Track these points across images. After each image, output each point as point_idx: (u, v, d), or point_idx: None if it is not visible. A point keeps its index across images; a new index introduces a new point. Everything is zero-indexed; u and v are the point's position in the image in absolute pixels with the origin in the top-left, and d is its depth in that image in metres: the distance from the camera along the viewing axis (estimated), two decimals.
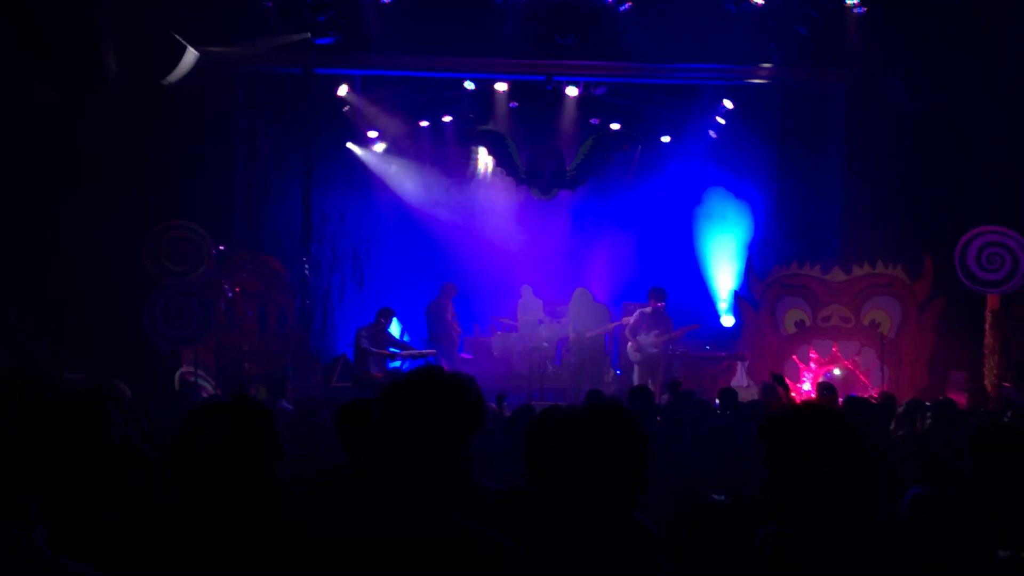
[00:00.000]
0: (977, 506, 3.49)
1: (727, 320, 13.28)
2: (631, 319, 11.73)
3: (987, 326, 10.78)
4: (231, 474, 2.77)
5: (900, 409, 6.77)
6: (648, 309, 11.57)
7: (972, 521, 3.46)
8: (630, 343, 11.59)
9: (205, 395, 9.45)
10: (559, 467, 2.27)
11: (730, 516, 2.82)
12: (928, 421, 6.39)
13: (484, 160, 13.77)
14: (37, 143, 10.65)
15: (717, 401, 8.21)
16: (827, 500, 2.18)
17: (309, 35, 11.50)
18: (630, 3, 11.41)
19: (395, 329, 12.28)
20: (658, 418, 7.61)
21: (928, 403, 6.85)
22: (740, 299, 11.83)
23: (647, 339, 11.38)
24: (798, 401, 10.46)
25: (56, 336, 10.18)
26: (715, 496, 3.22)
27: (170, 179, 11.04)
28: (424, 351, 12.20)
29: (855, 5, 11.20)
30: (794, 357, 11.19)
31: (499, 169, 14.10)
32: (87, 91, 10.84)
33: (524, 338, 13.36)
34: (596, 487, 2.23)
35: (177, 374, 10.38)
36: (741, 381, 11.41)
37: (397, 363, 11.52)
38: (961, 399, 9.90)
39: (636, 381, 11.24)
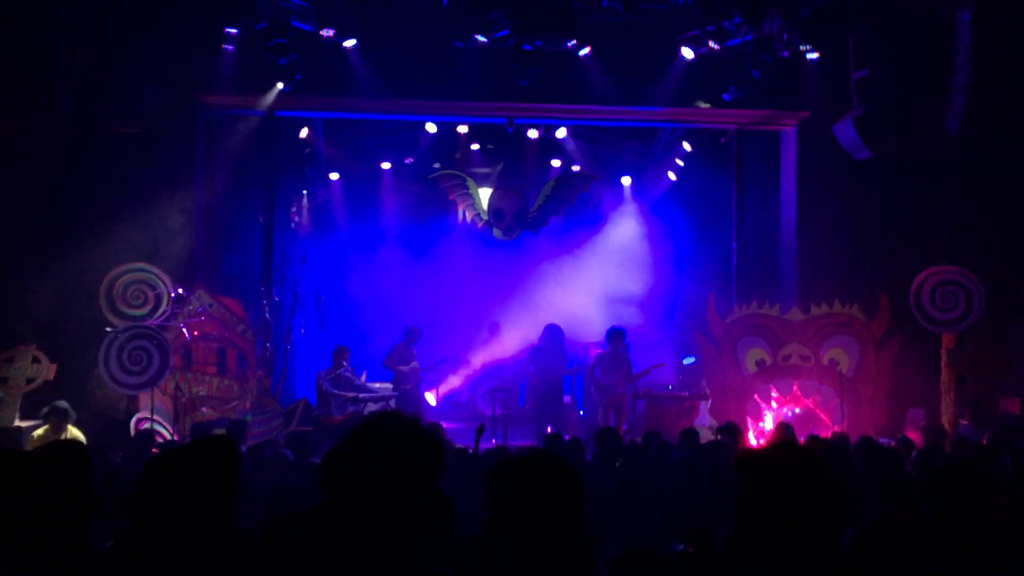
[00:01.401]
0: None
1: (688, 359, 13.36)
2: (591, 361, 11.82)
3: (943, 364, 10.96)
4: (193, 516, 2.75)
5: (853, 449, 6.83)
6: (605, 352, 11.65)
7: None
8: (591, 385, 11.68)
9: (161, 440, 9.25)
10: (506, 510, 2.43)
11: (689, 567, 2.86)
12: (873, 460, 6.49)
13: (468, 205, 13.77)
14: None
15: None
16: (798, 537, 2.21)
17: (270, 78, 11.51)
18: (589, 47, 11.59)
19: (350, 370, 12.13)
20: (617, 463, 7.58)
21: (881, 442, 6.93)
22: (702, 338, 11.91)
23: (608, 380, 11.43)
24: (756, 441, 10.51)
25: (8, 382, 9.94)
26: (676, 545, 3.24)
27: (127, 220, 10.91)
28: (385, 394, 12.10)
29: (808, 50, 11.46)
30: (756, 396, 11.26)
31: (462, 210, 14.15)
32: (41, 131, 10.74)
33: (488, 378, 13.32)
34: (538, 524, 2.38)
35: (133, 419, 10.17)
36: (703, 420, 11.45)
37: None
38: (919, 437, 10.04)
39: (600, 422, 11.25)
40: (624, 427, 11.21)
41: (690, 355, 13.25)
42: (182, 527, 2.69)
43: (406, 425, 2.17)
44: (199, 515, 2.73)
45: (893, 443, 8.14)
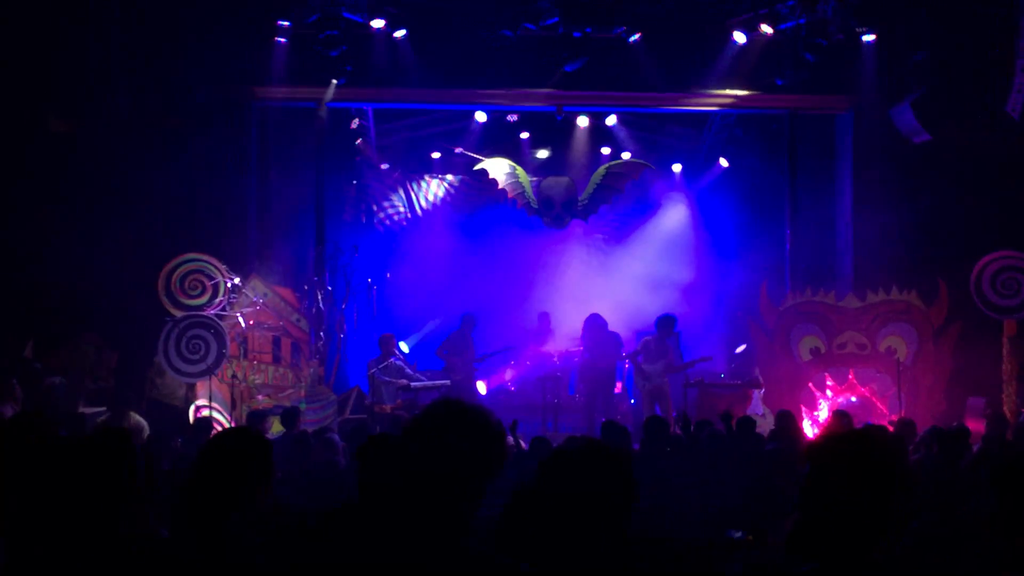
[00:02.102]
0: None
1: (739, 348, 13.18)
2: (638, 347, 11.77)
3: (1005, 352, 10.70)
4: (227, 503, 2.84)
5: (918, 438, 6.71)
6: (652, 338, 11.58)
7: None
8: (636, 372, 11.65)
9: (218, 428, 9.43)
10: (554, 502, 2.37)
11: (748, 553, 2.80)
12: (935, 448, 6.35)
13: (517, 193, 13.81)
14: (52, 175, 10.80)
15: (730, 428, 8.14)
16: (860, 530, 2.16)
17: (321, 70, 11.63)
18: (640, 34, 11.49)
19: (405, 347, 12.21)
20: (668, 448, 7.55)
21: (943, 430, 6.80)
22: (754, 326, 11.78)
23: (651, 368, 11.38)
24: (812, 431, 10.37)
25: (72, 370, 10.23)
26: (732, 533, 3.19)
27: (184, 212, 11.15)
28: (437, 383, 12.17)
29: (863, 32, 11.23)
30: (810, 384, 11.11)
31: (512, 199, 14.15)
32: (99, 126, 10.98)
33: (538, 367, 13.33)
34: (585, 518, 2.33)
35: (191, 407, 10.39)
36: (757, 409, 11.33)
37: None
38: (980, 426, 9.82)
39: (644, 411, 11.21)
40: (673, 415, 11.14)
41: (741, 344, 13.09)
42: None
43: (470, 414, 2.17)
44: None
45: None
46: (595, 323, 12.19)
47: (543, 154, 14.78)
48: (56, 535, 2.73)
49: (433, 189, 15.27)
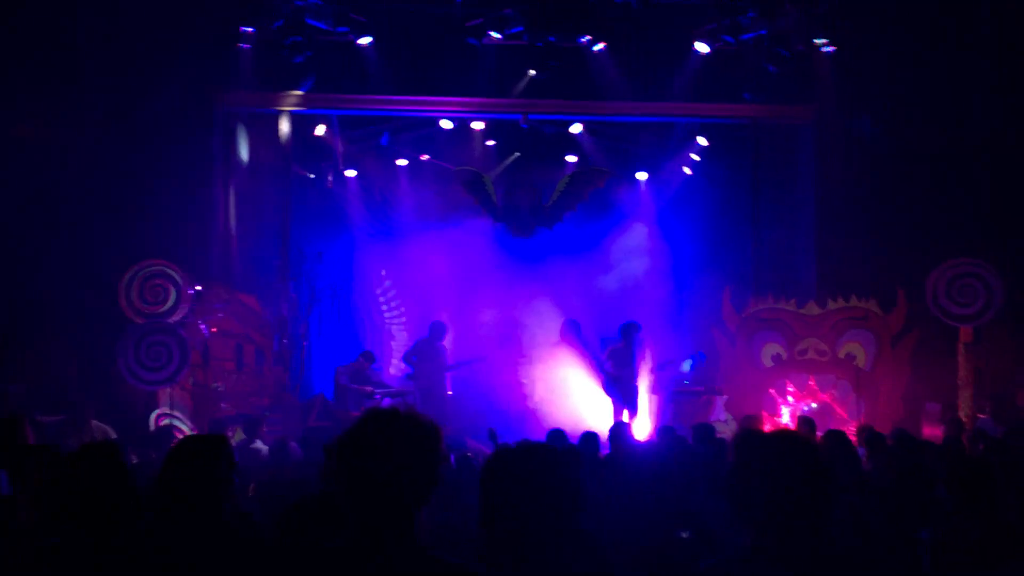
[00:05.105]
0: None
1: (685, 366, 13.06)
2: (604, 355, 11.83)
3: (960, 358, 10.89)
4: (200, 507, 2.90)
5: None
6: (619, 344, 11.65)
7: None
8: (603, 378, 11.71)
9: (180, 436, 9.35)
10: (501, 501, 2.48)
11: (694, 550, 2.89)
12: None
13: (483, 201, 13.88)
14: (13, 179, 10.66)
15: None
16: (787, 517, 2.27)
17: (286, 76, 11.60)
18: (605, 44, 11.59)
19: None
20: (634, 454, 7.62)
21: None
22: (718, 333, 11.88)
23: (618, 373, 11.45)
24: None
25: (28, 378, 10.08)
26: (681, 533, 3.28)
27: (145, 218, 11.03)
28: (402, 389, 12.17)
29: (824, 44, 11.42)
30: (771, 391, 11.23)
31: (477, 207, 14.18)
32: (65, 130, 10.86)
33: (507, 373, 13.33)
34: (536, 512, 2.44)
35: (153, 415, 10.29)
36: (719, 415, 11.44)
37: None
38: (937, 431, 9.99)
39: (613, 416, 11.27)
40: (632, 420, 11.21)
41: (703, 351, 13.14)
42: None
43: (400, 421, 2.21)
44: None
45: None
46: (566, 331, 12.22)
47: (509, 162, 14.82)
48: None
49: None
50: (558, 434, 7.03)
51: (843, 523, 3.90)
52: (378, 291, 14.65)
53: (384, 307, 14.57)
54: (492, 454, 2.66)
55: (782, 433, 2.47)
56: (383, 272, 13.77)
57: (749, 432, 2.44)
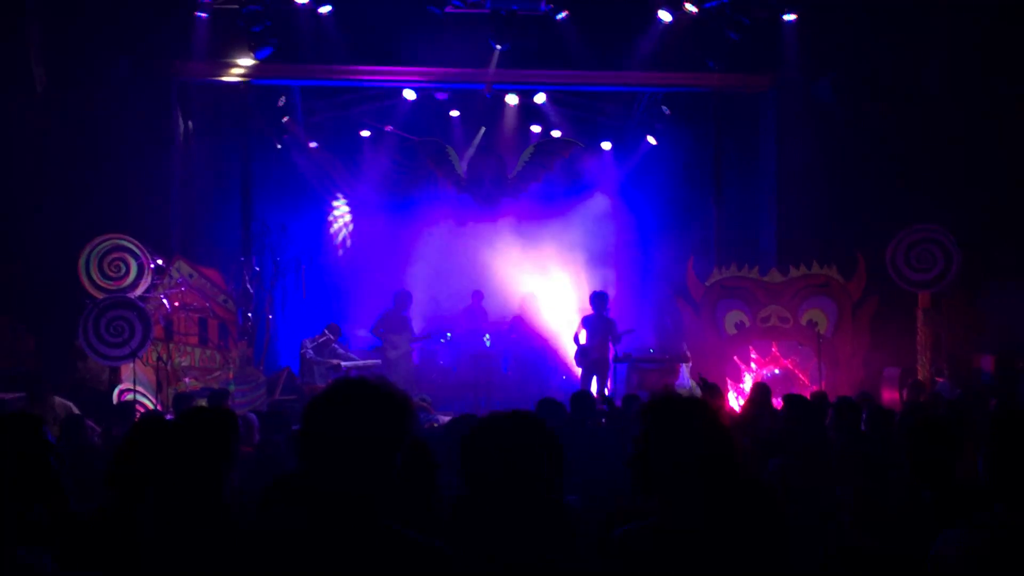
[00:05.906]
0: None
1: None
2: (577, 325, 11.90)
3: (919, 323, 11.09)
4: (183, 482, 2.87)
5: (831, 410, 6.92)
6: (592, 315, 11.72)
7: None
8: (576, 348, 11.77)
9: (143, 411, 9.27)
10: (484, 469, 2.52)
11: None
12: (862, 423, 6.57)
13: (447, 172, 13.82)
14: None
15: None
16: (688, 485, 2.35)
17: (244, 46, 11.41)
18: (567, 12, 11.52)
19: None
20: (602, 420, 7.68)
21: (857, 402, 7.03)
22: (682, 302, 11.98)
23: (590, 343, 11.53)
24: (737, 402, 10.64)
25: None
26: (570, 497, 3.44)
27: (105, 191, 10.83)
28: (369, 362, 12.15)
29: (785, 11, 11.44)
30: (735, 358, 11.36)
31: (441, 178, 14.11)
32: (17, 100, 10.61)
33: (471, 346, 13.38)
34: (515, 483, 2.49)
35: (116, 391, 10.17)
36: (684, 382, 11.56)
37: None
38: (895, 395, 10.18)
39: (583, 385, 11.35)
40: (608, 390, 11.31)
41: (667, 318, 13.22)
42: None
43: (368, 389, 2.17)
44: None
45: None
46: (530, 302, 12.28)
47: (473, 133, 14.75)
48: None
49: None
50: (548, 402, 7.04)
51: (770, 485, 3.99)
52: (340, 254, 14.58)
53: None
54: (479, 421, 2.68)
55: (683, 401, 2.48)
56: (347, 243, 13.70)
57: (653, 401, 2.48)
